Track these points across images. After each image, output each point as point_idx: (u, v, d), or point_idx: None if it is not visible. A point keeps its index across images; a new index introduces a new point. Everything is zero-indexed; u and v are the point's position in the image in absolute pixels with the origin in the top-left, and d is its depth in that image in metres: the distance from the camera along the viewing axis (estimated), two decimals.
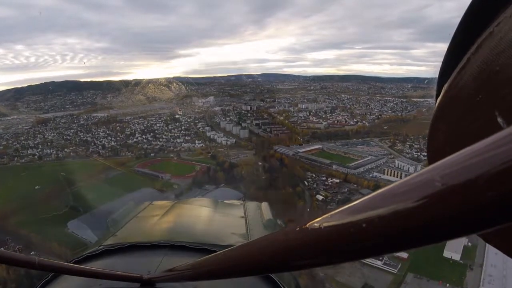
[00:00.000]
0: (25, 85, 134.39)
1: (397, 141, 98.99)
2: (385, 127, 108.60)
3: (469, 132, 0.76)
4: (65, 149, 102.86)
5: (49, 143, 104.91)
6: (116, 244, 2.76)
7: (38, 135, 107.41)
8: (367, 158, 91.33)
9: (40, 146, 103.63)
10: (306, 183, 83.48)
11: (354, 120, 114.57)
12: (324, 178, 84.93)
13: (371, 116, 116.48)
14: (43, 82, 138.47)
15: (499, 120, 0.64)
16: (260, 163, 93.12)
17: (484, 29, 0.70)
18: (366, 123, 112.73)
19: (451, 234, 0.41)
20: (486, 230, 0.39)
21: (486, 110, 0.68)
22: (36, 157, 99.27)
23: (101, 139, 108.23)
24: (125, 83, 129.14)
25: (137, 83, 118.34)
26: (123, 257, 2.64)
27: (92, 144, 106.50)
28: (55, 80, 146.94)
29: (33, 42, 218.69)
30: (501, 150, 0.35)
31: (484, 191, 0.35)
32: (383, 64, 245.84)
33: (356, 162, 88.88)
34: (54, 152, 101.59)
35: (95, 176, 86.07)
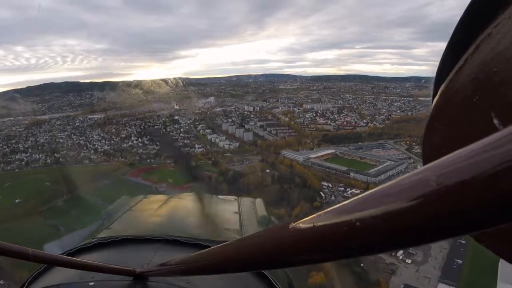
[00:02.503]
0: (25, 86, 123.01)
1: (414, 143, 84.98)
2: (396, 127, 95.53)
3: (465, 133, 0.74)
4: (55, 154, 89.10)
5: (40, 147, 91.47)
6: (110, 237, 2.69)
7: (30, 138, 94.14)
8: (386, 164, 76.68)
9: (30, 150, 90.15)
10: (323, 195, 68.05)
11: (364, 121, 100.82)
12: (343, 188, 69.69)
13: (381, 117, 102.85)
14: (42, 83, 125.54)
15: (495, 121, 0.62)
16: (268, 171, 77.56)
17: (483, 30, 0.67)
18: (377, 124, 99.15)
19: (444, 234, 0.40)
20: (480, 230, 0.38)
21: (482, 111, 0.66)
22: (23, 163, 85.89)
23: (94, 143, 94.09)
24: (125, 84, 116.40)
25: (136, 84, 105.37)
26: (117, 250, 2.57)
27: (84, 148, 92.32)
28: (55, 81, 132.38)
29: (33, 43, 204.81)
30: (496, 152, 0.34)
31: (479, 192, 0.34)
32: (383, 64, 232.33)
33: (376, 169, 74.16)
34: (43, 157, 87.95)
35: (82, 187, 70.93)
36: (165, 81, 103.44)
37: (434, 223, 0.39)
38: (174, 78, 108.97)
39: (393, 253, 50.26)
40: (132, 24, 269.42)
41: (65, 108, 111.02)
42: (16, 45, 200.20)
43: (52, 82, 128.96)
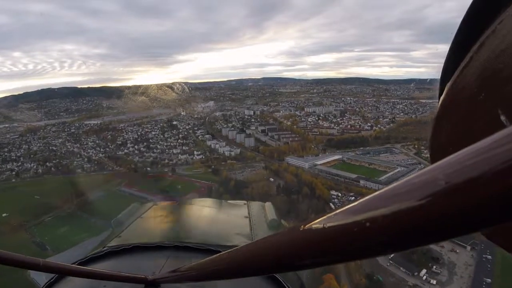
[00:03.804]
0: (22, 92, 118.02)
1: (422, 147, 78.83)
2: (402, 131, 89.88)
3: (472, 130, 0.73)
4: (47, 163, 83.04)
5: (32, 155, 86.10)
6: (121, 245, 2.64)
7: (24, 146, 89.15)
8: (397, 170, 70.52)
9: (22, 159, 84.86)
10: (332, 206, 60.74)
11: (368, 124, 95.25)
12: (353, 197, 62.15)
13: (385, 120, 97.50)
14: (40, 89, 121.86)
15: (502, 118, 0.61)
16: (272, 179, 70.95)
17: (487, 27, 0.67)
18: (382, 128, 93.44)
19: (455, 232, 0.39)
20: (490, 227, 0.37)
21: (489, 108, 0.65)
22: (13, 173, 79.99)
23: (89, 150, 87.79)
24: (123, 89, 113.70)
25: (135, 89, 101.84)
26: (128, 258, 2.53)
27: (78, 156, 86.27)
28: (53, 87, 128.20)
29: (31, 49, 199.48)
30: (504, 148, 0.34)
31: (487, 189, 0.34)
32: (382, 67, 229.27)
33: (386, 175, 68.00)
34: (35, 166, 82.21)
35: (72, 201, 65.00)
36: (164, 86, 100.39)
37: (444, 221, 0.39)
38: (173, 83, 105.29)
39: (416, 273, 44.76)
40: (131, 29, 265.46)
41: (61, 114, 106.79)
42: (14, 51, 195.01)
43: (50, 88, 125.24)
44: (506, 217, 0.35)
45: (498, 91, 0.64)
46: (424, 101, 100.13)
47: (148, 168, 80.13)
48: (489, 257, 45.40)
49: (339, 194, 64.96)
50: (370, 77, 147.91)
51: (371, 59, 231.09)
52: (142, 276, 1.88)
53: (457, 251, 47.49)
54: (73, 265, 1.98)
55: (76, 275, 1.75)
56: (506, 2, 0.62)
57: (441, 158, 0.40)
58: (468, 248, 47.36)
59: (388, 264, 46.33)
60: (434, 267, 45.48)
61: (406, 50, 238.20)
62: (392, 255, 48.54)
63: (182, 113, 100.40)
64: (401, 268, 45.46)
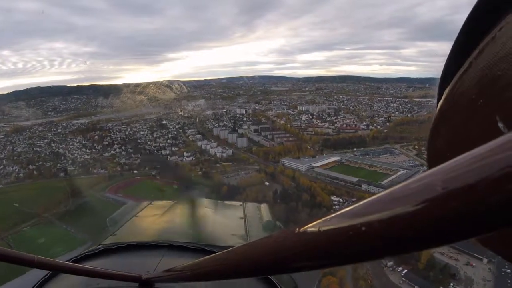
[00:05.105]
0: (10, 91, 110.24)
1: (423, 148, 73.27)
2: (399, 130, 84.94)
3: (470, 136, 0.72)
4: (30, 166, 76.43)
5: (15, 157, 79.52)
6: (115, 243, 2.63)
7: (8, 147, 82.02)
8: (400, 173, 65.31)
9: (4, 161, 78.15)
10: None
11: (364, 123, 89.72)
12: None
13: (380, 118, 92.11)
14: (29, 88, 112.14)
15: (500, 125, 0.60)
16: (267, 183, 65.15)
17: (486, 34, 0.66)
18: (379, 127, 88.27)
19: (450, 238, 0.38)
20: (487, 234, 0.36)
21: (487, 115, 0.63)
22: None
23: (74, 152, 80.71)
24: (113, 88, 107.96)
25: (125, 87, 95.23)
26: (122, 256, 2.53)
27: (62, 158, 79.09)
28: (41, 86, 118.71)
29: (19, 47, 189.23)
30: (502, 156, 0.33)
31: (484, 196, 0.33)
32: (372, 65, 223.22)
33: (389, 179, 62.73)
34: (17, 169, 75.56)
35: (53, 208, 59.89)
36: (154, 84, 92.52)
37: (440, 227, 0.38)
38: (163, 81, 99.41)
39: None
40: (121, 26, 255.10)
41: (50, 113, 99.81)
42: (2, 49, 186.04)
43: (39, 86, 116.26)
44: (503, 223, 0.35)
45: (496, 98, 0.63)
46: (418, 100, 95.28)
47: (135, 171, 73.90)
48: (508, 271, 40.31)
49: (341, 200, 59.06)
50: (361, 75, 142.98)
51: (362, 57, 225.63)
52: (136, 275, 1.87)
53: (473, 264, 42.38)
54: (67, 262, 1.92)
55: (70, 272, 1.73)
56: (506, 9, 0.62)
57: (439, 163, 0.40)
58: (485, 260, 42.15)
59: (401, 281, 41.19)
60: (452, 284, 40.36)
61: (396, 48, 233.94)
62: (405, 271, 43.99)
63: (171, 112, 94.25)
64: (416, 287, 40.38)
